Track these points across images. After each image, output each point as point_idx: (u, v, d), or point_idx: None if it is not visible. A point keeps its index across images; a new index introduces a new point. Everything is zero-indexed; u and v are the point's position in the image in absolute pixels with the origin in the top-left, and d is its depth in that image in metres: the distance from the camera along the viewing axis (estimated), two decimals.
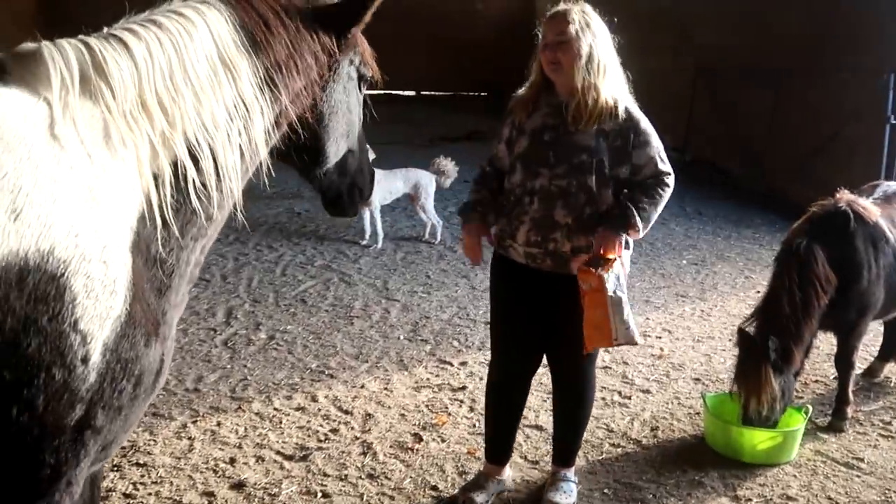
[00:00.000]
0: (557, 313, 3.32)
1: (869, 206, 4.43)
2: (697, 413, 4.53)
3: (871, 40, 9.04)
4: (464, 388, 4.77)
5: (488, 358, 3.80)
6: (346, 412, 4.42)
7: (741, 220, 9.63)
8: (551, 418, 3.80)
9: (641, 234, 3.29)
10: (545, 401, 4.42)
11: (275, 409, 4.43)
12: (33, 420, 1.59)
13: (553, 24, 3.19)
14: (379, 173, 6.61)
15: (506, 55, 15.93)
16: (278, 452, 3.96)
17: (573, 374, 3.51)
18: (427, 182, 8.13)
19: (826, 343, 5.14)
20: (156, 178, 1.80)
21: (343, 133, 2.34)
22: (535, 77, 3.34)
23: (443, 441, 4.14)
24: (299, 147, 2.21)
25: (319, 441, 4.09)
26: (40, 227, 1.55)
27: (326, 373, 4.94)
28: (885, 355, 5.13)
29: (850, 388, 4.47)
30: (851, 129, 9.20)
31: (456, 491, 3.64)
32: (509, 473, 3.73)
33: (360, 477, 3.77)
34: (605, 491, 3.74)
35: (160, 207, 1.80)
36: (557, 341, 3.41)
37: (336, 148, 2.34)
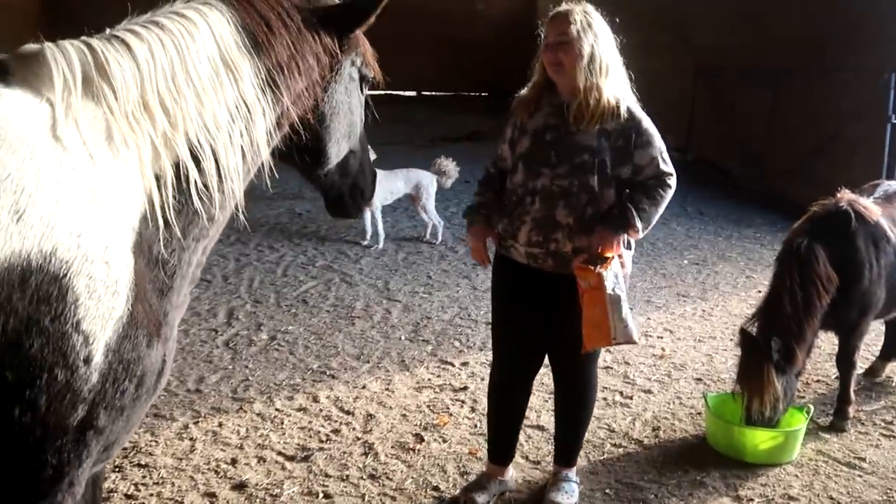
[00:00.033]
0: (559, 313, 3.32)
1: (870, 206, 4.43)
2: (699, 413, 4.53)
3: (871, 40, 9.04)
4: (465, 388, 4.77)
5: (490, 358, 3.80)
6: (348, 413, 4.42)
7: (742, 219, 9.63)
8: (553, 418, 3.80)
9: (642, 235, 3.29)
10: (547, 401, 4.42)
11: (276, 409, 4.43)
12: (36, 420, 1.59)
13: (555, 24, 3.19)
14: (380, 174, 6.61)
15: (507, 55, 15.96)
16: (280, 453, 3.96)
17: (575, 375, 3.51)
18: (428, 182, 8.13)
19: (827, 343, 5.14)
20: (158, 178, 1.80)
21: (344, 134, 2.35)
22: (537, 77, 3.34)
23: (444, 441, 4.14)
24: (301, 148, 2.21)
25: (321, 442, 4.09)
26: (43, 227, 1.56)
27: (328, 373, 4.94)
28: (886, 355, 5.13)
29: (852, 387, 4.47)
30: (852, 128, 9.20)
31: (457, 491, 3.64)
32: (512, 474, 3.73)
33: (362, 477, 3.77)
34: (607, 491, 3.74)
35: (162, 208, 1.80)
36: (559, 341, 3.41)
37: (337, 149, 2.34)
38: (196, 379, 4.76)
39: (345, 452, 3.99)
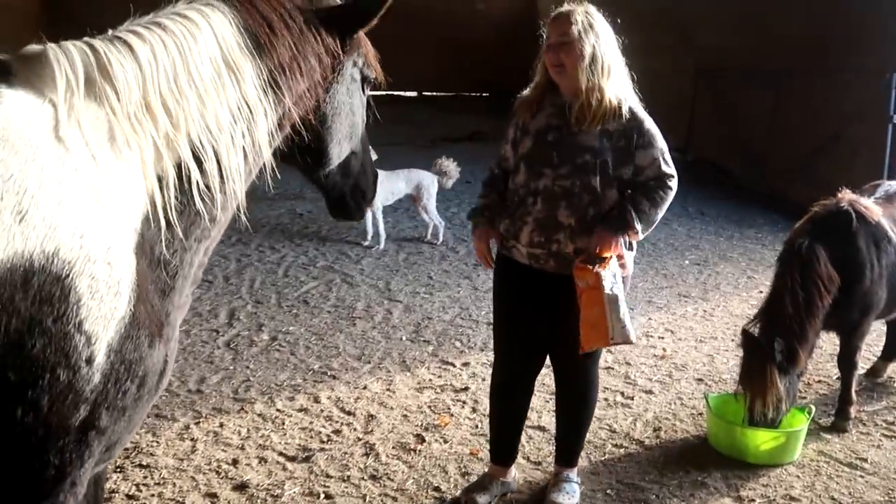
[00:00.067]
0: (560, 314, 3.32)
1: (871, 206, 4.43)
2: (700, 413, 4.53)
3: (873, 41, 9.04)
4: (466, 388, 4.77)
5: (490, 359, 3.80)
6: (349, 413, 4.42)
7: (743, 220, 9.63)
8: (554, 419, 3.80)
9: (642, 236, 3.29)
10: (548, 401, 4.42)
11: (277, 410, 4.43)
12: (38, 421, 1.59)
13: (556, 25, 3.19)
14: (381, 174, 6.61)
15: (507, 55, 15.97)
16: (281, 454, 3.96)
17: (576, 375, 3.51)
18: (429, 183, 8.13)
19: (829, 343, 5.14)
20: (160, 179, 1.80)
21: (346, 135, 2.35)
22: (539, 78, 3.34)
23: (445, 442, 4.14)
24: (302, 149, 2.21)
25: (322, 442, 4.09)
26: (45, 228, 1.56)
27: (329, 374, 4.94)
28: (888, 355, 5.12)
29: (853, 388, 4.47)
30: (854, 129, 9.20)
31: (459, 492, 3.64)
32: (514, 475, 3.73)
33: (363, 478, 3.77)
34: (608, 492, 3.74)
35: (164, 209, 1.80)
36: (560, 342, 3.41)
37: (339, 150, 2.35)
38: (197, 379, 4.76)
39: (346, 453, 3.99)
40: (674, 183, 3.29)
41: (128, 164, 1.74)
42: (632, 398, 4.72)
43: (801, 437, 4.09)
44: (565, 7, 3.22)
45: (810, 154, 9.74)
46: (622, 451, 4.13)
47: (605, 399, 4.62)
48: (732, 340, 5.58)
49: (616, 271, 3.19)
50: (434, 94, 20.56)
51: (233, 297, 6.29)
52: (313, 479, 3.75)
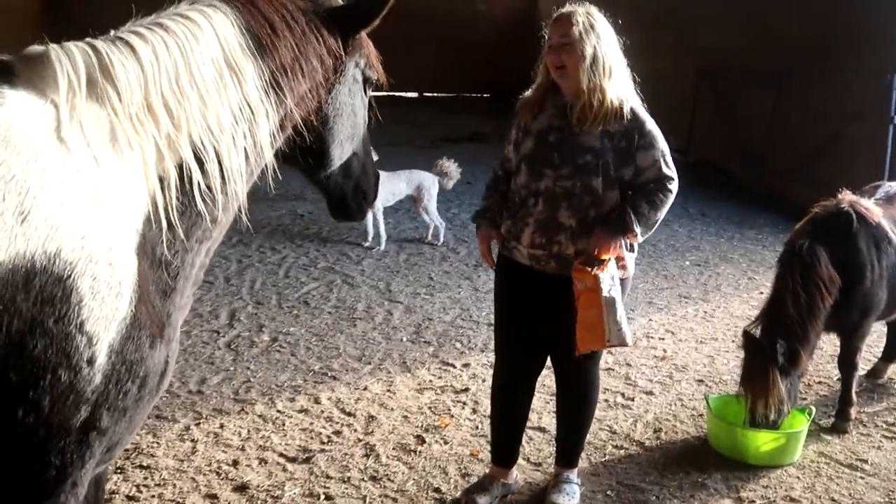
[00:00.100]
0: (561, 315, 3.32)
1: (871, 207, 4.43)
2: (700, 415, 4.53)
3: (874, 41, 9.04)
4: (466, 389, 4.77)
5: (491, 359, 3.80)
6: (349, 414, 4.42)
7: (744, 220, 9.63)
8: (554, 420, 3.80)
9: (642, 239, 3.29)
10: (548, 402, 4.42)
11: (278, 411, 4.43)
12: (39, 421, 1.59)
13: (557, 26, 3.19)
14: (382, 175, 6.56)
15: (508, 56, 15.98)
16: (281, 454, 3.96)
17: (577, 376, 3.51)
18: (430, 184, 8.13)
19: (829, 344, 5.14)
20: (161, 180, 1.80)
21: (348, 136, 2.35)
22: (541, 79, 3.34)
23: (446, 443, 4.14)
24: (304, 150, 2.21)
25: (322, 443, 4.09)
26: (47, 229, 1.56)
27: (329, 375, 4.94)
28: (888, 356, 5.12)
29: (854, 389, 4.47)
30: (854, 129, 9.20)
31: (459, 493, 3.64)
32: (515, 476, 3.73)
33: (363, 479, 3.77)
34: (608, 493, 3.74)
35: (165, 210, 1.80)
36: (561, 343, 3.40)
37: (340, 151, 2.35)
38: (198, 380, 4.76)
39: (346, 454, 3.99)
40: (674, 185, 3.29)
41: (129, 165, 1.74)
42: (632, 399, 4.72)
43: (802, 438, 4.09)
44: (567, 8, 3.22)
45: (810, 154, 9.74)
46: (622, 452, 4.13)
47: (606, 400, 4.62)
48: (733, 341, 5.58)
49: (614, 274, 3.19)
50: (435, 94, 20.54)
51: (233, 298, 6.29)
52: (313, 480, 3.75)
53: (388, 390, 4.75)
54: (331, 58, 2.15)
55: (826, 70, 9.71)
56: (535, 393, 3.78)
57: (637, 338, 5.67)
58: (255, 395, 4.61)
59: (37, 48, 1.76)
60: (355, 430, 4.24)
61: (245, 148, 1.96)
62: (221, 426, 4.23)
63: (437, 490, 3.71)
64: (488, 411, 3.86)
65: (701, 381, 5.04)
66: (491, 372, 3.72)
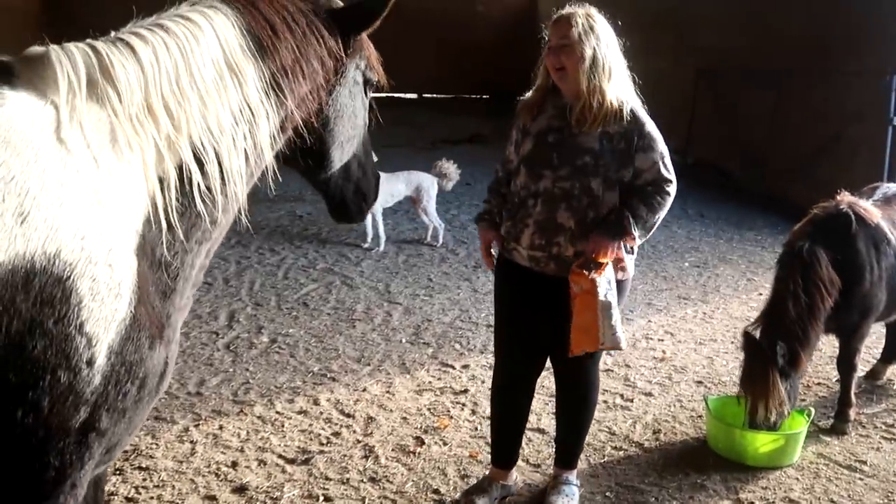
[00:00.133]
0: (561, 317, 3.32)
1: (870, 208, 4.43)
2: (700, 416, 4.53)
3: (874, 41, 9.05)
4: (466, 391, 4.77)
5: (490, 361, 3.80)
6: (348, 415, 4.42)
7: (743, 221, 9.63)
8: (553, 421, 3.80)
9: (640, 241, 3.29)
10: (547, 404, 4.42)
11: (277, 412, 4.43)
12: (38, 422, 1.59)
13: (557, 28, 3.19)
14: (381, 176, 6.60)
15: (508, 57, 16.00)
16: (280, 456, 3.96)
17: (576, 377, 3.51)
18: (429, 185, 8.13)
19: (828, 345, 5.14)
20: (161, 181, 1.80)
21: (348, 137, 2.35)
22: (541, 81, 3.34)
23: (445, 444, 4.13)
24: (304, 151, 2.21)
25: (321, 444, 4.09)
26: (47, 230, 1.56)
27: (328, 376, 4.94)
28: (887, 357, 5.12)
29: (853, 390, 4.47)
30: (854, 130, 9.20)
31: (458, 495, 3.64)
32: (515, 478, 3.72)
33: (362, 480, 3.77)
34: (607, 494, 3.74)
35: (165, 211, 1.80)
36: (561, 344, 3.40)
37: (341, 152, 2.34)
38: (197, 382, 4.76)
39: (345, 455, 3.99)
40: (672, 188, 3.28)
41: (129, 166, 1.74)
42: (631, 400, 4.72)
43: (801, 439, 4.09)
44: (566, 9, 3.21)
45: (810, 155, 9.74)
46: (621, 453, 4.13)
47: (605, 401, 4.62)
48: (732, 343, 5.58)
49: (611, 277, 3.19)
50: (434, 95, 20.56)
51: (232, 299, 6.29)
52: (312, 481, 3.74)
53: (388, 392, 4.75)
54: (332, 59, 2.14)
55: (826, 70, 9.72)
56: (535, 394, 3.78)
57: (636, 339, 5.68)
58: (254, 396, 4.61)
59: (37, 49, 1.76)
60: (354, 432, 4.24)
61: (245, 149, 1.96)
62: (220, 427, 4.23)
63: (436, 491, 3.71)
64: (487, 413, 3.86)
65: (700, 382, 5.04)
66: (490, 373, 3.71)
